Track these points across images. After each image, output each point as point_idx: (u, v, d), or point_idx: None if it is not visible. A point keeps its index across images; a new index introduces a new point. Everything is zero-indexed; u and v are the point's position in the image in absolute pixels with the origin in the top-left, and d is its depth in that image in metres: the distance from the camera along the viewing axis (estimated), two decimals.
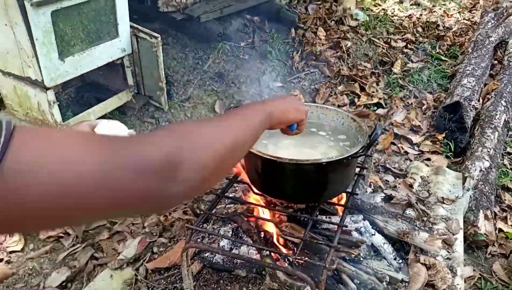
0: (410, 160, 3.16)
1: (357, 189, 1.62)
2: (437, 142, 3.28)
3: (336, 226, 1.38)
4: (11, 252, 2.36)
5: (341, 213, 1.48)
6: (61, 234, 2.46)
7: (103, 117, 2.99)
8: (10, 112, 2.82)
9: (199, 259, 1.55)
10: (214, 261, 1.52)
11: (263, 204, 1.52)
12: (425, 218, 1.87)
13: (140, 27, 2.92)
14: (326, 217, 1.58)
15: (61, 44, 2.49)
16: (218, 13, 3.82)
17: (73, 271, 2.23)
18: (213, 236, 1.56)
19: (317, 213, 1.52)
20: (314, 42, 4.11)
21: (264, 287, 1.43)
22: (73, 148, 0.48)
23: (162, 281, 1.58)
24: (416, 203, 1.91)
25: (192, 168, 0.58)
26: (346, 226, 1.49)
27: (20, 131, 0.45)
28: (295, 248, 1.33)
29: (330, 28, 4.26)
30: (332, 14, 4.41)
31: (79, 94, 3.19)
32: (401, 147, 3.33)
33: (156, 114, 3.25)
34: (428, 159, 3.01)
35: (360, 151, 1.34)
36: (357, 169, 1.59)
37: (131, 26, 2.89)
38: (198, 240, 1.60)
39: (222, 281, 1.48)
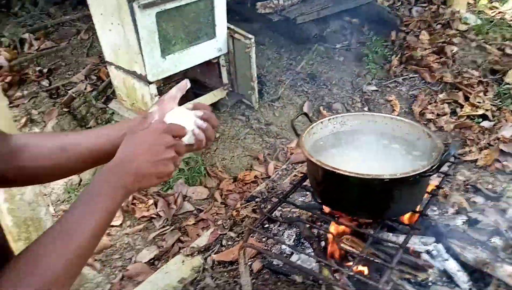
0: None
1: (432, 209, 1.53)
2: None
3: (398, 246, 1.32)
4: (111, 226, 2.67)
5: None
6: (154, 215, 2.71)
7: None
8: (120, 101, 3.17)
9: (261, 258, 1.60)
10: (273, 263, 1.56)
11: (326, 213, 1.51)
12: None
13: (236, 28, 3.05)
14: (392, 235, 1.51)
15: (164, 43, 2.72)
16: (315, 14, 3.81)
17: (160, 250, 2.45)
18: (277, 237, 1.60)
19: (380, 230, 1.47)
20: (416, 46, 3.88)
21: None
22: None
23: (225, 274, 1.67)
24: (506, 231, 1.72)
25: None
26: (409, 248, 1.41)
27: None
28: (353, 263, 1.31)
29: (435, 32, 3.98)
30: (439, 17, 4.11)
31: None
32: (507, 165, 3.00)
33: (247, 112, 3.38)
34: None
35: (429, 170, 1.26)
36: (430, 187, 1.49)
37: (227, 27, 3.04)
38: (263, 239, 1.66)
39: (279, 283, 1.52)
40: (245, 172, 2.98)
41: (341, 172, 1.24)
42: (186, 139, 0.86)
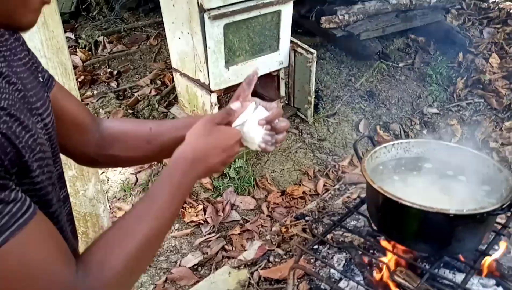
0: None
1: (495, 248, 1.46)
2: None
3: (456, 285, 1.27)
4: None
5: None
6: (202, 221, 2.78)
7: None
8: (181, 107, 3.29)
9: (308, 279, 1.60)
10: (320, 286, 1.55)
11: (382, 242, 1.48)
12: None
13: (299, 42, 3.08)
14: (449, 272, 1.45)
15: (229, 53, 2.80)
16: (380, 31, 3.75)
17: (204, 257, 2.51)
18: (326, 260, 1.59)
19: (439, 266, 1.42)
20: (484, 70, 3.71)
21: None
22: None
23: None
24: None
25: None
26: (468, 288, 1.35)
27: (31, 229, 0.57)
28: None
29: (507, 55, 3.78)
30: None
31: None
32: None
33: (301, 126, 3.38)
34: None
35: (498, 209, 1.21)
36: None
37: (291, 41, 3.07)
38: (312, 260, 1.65)
39: None
40: (293, 186, 2.98)
41: (403, 202, 1.22)
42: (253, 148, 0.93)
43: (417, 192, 1.44)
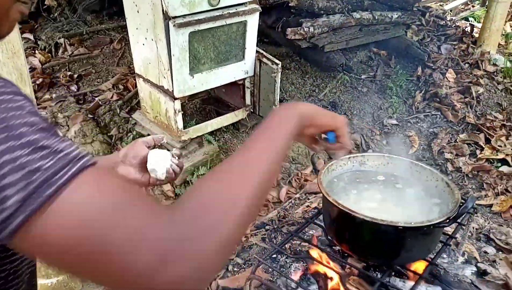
0: None
1: (442, 257, 1.53)
2: None
3: None
4: None
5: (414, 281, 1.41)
6: None
7: (218, 130, 3.25)
8: (143, 113, 3.25)
9: (266, 288, 1.62)
10: None
11: (336, 252, 1.52)
12: None
13: (264, 53, 3.12)
14: (400, 281, 1.51)
15: (193, 61, 2.79)
16: (344, 44, 3.86)
17: None
18: (283, 270, 1.61)
19: (389, 275, 1.47)
20: (441, 84, 3.88)
21: None
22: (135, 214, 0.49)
23: None
24: None
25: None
26: None
27: (92, 174, 0.49)
28: None
29: (462, 71, 3.97)
30: (467, 57, 4.11)
31: (203, 105, 3.52)
32: None
33: None
34: None
35: (444, 221, 1.27)
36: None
37: (256, 51, 3.10)
38: (270, 270, 1.67)
39: None
40: None
41: (356, 215, 1.26)
42: (160, 176, 1.06)
43: (371, 204, 1.49)
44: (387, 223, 1.27)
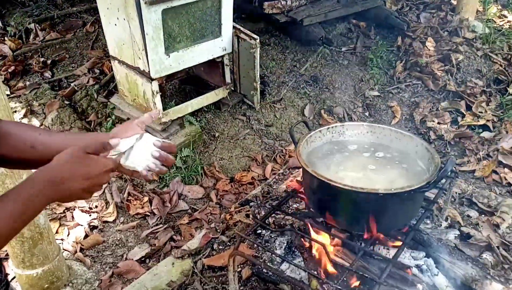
0: (509, 193, 2.84)
1: (425, 222, 1.53)
2: None
3: (388, 260, 1.32)
4: (104, 222, 2.68)
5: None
6: (148, 213, 2.72)
7: (200, 110, 3.20)
8: (121, 96, 3.18)
9: (251, 265, 1.61)
10: (263, 270, 1.56)
11: (319, 223, 1.51)
12: (506, 266, 1.68)
13: (242, 28, 3.05)
14: (383, 249, 1.51)
15: (168, 40, 2.72)
16: (322, 17, 3.80)
17: (152, 248, 2.46)
18: (268, 245, 1.60)
19: (372, 243, 1.47)
20: (421, 53, 3.86)
21: None
22: None
23: (214, 279, 1.68)
24: (498, 247, 1.73)
25: None
26: (399, 262, 1.41)
27: None
28: (342, 275, 1.31)
29: (441, 39, 3.96)
30: (446, 25, 4.09)
31: (182, 86, 3.45)
32: (504, 177, 3.00)
33: (248, 113, 3.38)
34: None
35: (424, 186, 1.26)
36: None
37: (233, 27, 3.03)
38: (254, 246, 1.66)
39: None
40: (242, 172, 2.99)
41: (335, 184, 1.25)
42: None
43: (352, 173, 1.48)
44: (367, 190, 1.26)
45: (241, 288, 1.52)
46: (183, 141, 3.00)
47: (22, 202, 0.78)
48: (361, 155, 1.57)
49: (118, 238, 2.59)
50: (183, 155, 2.97)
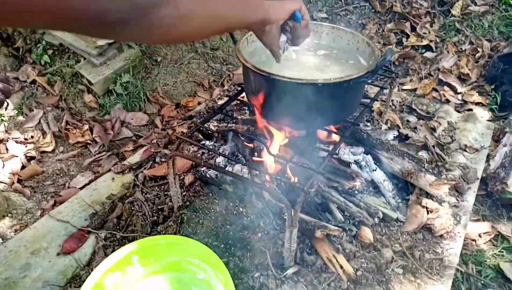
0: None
1: (366, 124, 1.54)
2: (484, 94, 3.02)
3: (328, 152, 1.33)
4: (42, 152, 2.54)
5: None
6: (89, 141, 2.60)
7: None
8: None
9: (194, 172, 1.58)
10: (206, 175, 1.54)
11: (261, 125, 1.48)
12: (439, 163, 1.76)
13: None
14: (325, 146, 1.52)
15: None
16: None
17: (96, 176, 2.37)
18: (211, 153, 1.57)
19: (313, 140, 1.47)
20: None
21: (250, 205, 1.44)
22: None
23: (156, 188, 1.64)
24: (433, 146, 1.79)
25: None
26: (337, 154, 1.43)
27: None
28: (282, 169, 1.31)
29: None
30: None
31: None
32: (443, 94, 3.11)
33: None
34: (470, 110, 2.81)
35: (364, 76, 1.24)
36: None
37: None
38: (198, 155, 1.62)
39: (211, 194, 1.51)
40: (188, 98, 2.89)
41: (274, 77, 1.20)
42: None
43: (294, 72, 1.44)
44: (306, 81, 1.22)
45: (184, 193, 1.50)
46: (123, 66, 2.83)
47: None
48: (303, 54, 1.52)
49: (59, 168, 2.48)
50: (123, 81, 2.82)
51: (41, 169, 2.45)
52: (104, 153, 2.54)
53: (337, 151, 1.50)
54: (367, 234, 1.40)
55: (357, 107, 1.45)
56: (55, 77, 2.86)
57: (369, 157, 1.57)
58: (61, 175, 2.46)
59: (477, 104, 2.96)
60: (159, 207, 1.53)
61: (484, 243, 2.05)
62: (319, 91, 1.27)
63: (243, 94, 1.57)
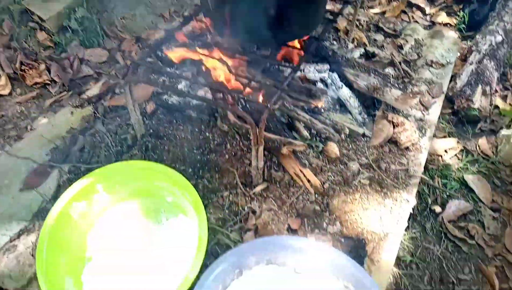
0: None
1: (332, 43, 1.49)
2: (452, 14, 2.99)
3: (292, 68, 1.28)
4: None
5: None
6: (48, 82, 2.47)
7: None
8: None
9: (155, 100, 1.52)
10: (169, 102, 1.49)
11: (222, 46, 1.42)
12: (406, 79, 1.75)
13: None
14: (288, 65, 1.47)
15: None
16: None
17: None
18: (173, 79, 1.50)
19: (277, 58, 1.42)
20: None
21: (215, 129, 1.41)
22: None
23: (118, 118, 1.59)
24: (400, 63, 1.78)
25: None
26: (303, 71, 1.39)
27: None
28: (246, 88, 1.27)
29: None
30: None
31: None
32: (412, 16, 3.06)
33: None
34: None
35: None
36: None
37: None
38: (160, 82, 1.56)
39: (175, 121, 1.47)
40: (149, 31, 2.75)
41: None
42: None
43: None
44: None
45: (147, 122, 1.45)
46: (75, 0, 2.64)
47: None
48: None
49: (19, 110, 2.37)
50: (78, 16, 2.64)
51: (0, 113, 2.34)
52: (65, 92, 2.43)
53: (301, 68, 1.46)
54: (334, 149, 1.41)
55: (320, 20, 1.39)
56: (3, 15, 2.66)
57: (335, 74, 1.54)
58: (22, 118, 2.35)
59: (445, 24, 2.93)
60: (122, 136, 1.49)
61: (450, 158, 2.12)
62: (279, 3, 1.21)
63: (201, 14, 1.49)
